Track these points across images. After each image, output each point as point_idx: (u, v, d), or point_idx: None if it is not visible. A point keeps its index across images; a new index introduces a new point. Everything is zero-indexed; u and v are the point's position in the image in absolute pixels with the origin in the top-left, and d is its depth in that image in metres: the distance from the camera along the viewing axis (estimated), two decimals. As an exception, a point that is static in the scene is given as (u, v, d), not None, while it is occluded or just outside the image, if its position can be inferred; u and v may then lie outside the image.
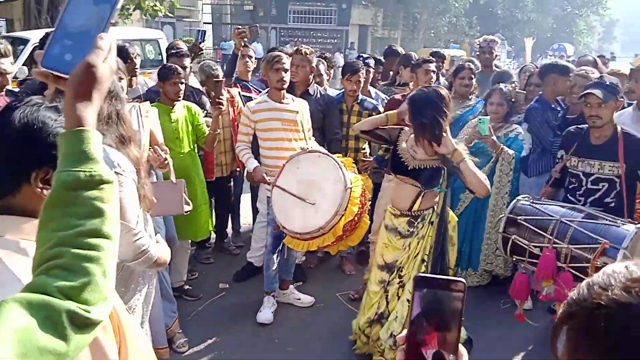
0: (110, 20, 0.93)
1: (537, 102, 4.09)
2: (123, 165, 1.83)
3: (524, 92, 4.43)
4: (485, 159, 4.05)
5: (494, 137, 3.85)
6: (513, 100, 4.06)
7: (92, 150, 0.87)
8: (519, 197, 3.05)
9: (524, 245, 2.83)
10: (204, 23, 22.09)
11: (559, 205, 2.93)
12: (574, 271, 2.64)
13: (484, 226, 4.13)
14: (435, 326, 0.80)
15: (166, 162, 2.99)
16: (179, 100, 3.68)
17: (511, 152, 3.95)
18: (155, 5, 12.39)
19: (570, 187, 3.07)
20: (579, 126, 3.08)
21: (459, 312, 0.79)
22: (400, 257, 2.97)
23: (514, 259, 3.00)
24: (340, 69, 5.19)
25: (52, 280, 0.79)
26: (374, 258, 3.13)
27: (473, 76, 4.45)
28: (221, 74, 4.23)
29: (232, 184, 4.73)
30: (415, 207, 2.95)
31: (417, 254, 2.93)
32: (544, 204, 2.94)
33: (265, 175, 3.59)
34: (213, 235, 4.81)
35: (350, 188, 3.07)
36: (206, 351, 3.37)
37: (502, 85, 4.06)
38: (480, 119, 3.81)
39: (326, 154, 3.30)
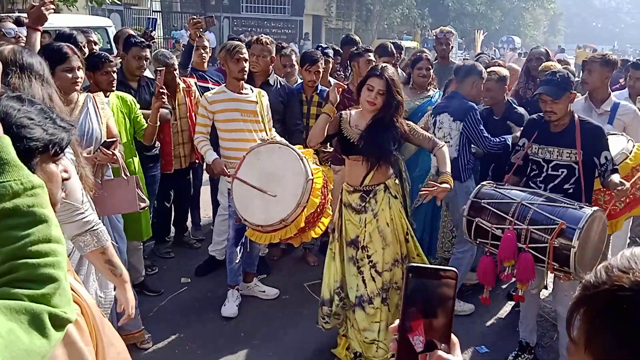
0: None
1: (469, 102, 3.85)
2: None
3: None
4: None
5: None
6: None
7: (12, 157, 0.84)
8: (483, 183, 3.13)
9: (487, 228, 2.91)
10: (153, 11, 21.37)
11: (521, 190, 3.02)
12: (533, 251, 2.74)
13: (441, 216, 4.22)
14: (422, 313, 0.80)
15: (115, 157, 2.82)
16: (112, 91, 3.40)
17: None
18: (103, -8, 11.94)
19: (531, 173, 3.17)
20: (540, 114, 3.17)
21: (450, 300, 0.80)
22: (359, 233, 3.02)
23: (477, 242, 3.07)
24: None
25: (20, 292, 0.78)
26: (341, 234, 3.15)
27: (430, 67, 4.52)
28: (175, 62, 4.10)
29: (190, 176, 4.64)
30: (366, 181, 3.00)
31: (379, 230, 2.98)
32: (507, 189, 3.03)
33: (225, 167, 3.53)
34: (173, 229, 4.72)
35: (312, 179, 3.05)
36: (170, 347, 3.31)
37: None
38: None
39: (287, 145, 3.27)
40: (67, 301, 0.83)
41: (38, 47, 2.74)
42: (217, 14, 25.20)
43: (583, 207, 2.76)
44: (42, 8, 2.68)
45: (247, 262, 3.84)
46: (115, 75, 3.38)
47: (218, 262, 4.18)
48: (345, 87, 3.66)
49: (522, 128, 3.41)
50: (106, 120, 2.97)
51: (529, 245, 2.75)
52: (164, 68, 3.46)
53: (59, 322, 0.80)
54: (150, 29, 4.82)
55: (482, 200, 2.97)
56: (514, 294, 3.92)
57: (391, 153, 2.99)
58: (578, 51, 22.57)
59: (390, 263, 3.02)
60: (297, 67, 4.58)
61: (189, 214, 4.84)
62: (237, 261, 3.73)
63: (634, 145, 3.30)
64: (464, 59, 6.36)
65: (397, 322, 0.82)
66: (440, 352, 0.79)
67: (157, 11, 21.78)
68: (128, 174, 2.95)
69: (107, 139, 2.92)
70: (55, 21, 9.07)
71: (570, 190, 3.01)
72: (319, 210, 3.18)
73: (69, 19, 10.05)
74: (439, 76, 4.82)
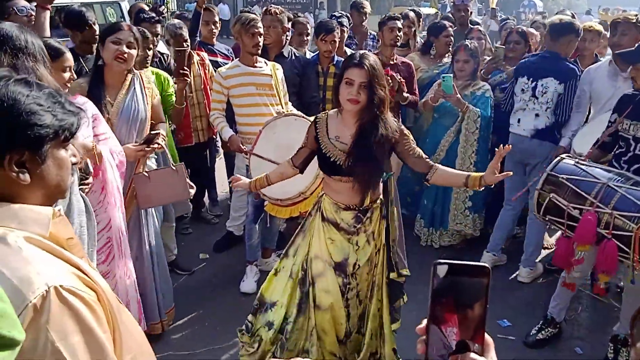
0: None
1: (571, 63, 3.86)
2: None
3: (503, 47, 4.38)
4: (451, 119, 4.02)
5: (459, 95, 3.83)
6: (478, 56, 4.02)
7: None
8: (562, 155, 2.88)
9: (562, 206, 2.66)
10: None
11: (606, 170, 2.76)
12: (616, 241, 2.50)
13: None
14: (455, 306, 0.74)
15: (161, 147, 2.82)
16: (146, 67, 3.45)
17: (477, 110, 3.92)
18: (114, -34, 11.79)
19: (617, 151, 2.93)
20: (631, 92, 2.94)
21: (483, 298, 0.73)
22: (349, 256, 2.48)
23: (546, 219, 2.83)
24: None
25: None
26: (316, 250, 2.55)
27: (452, 36, 4.40)
28: (186, 33, 4.01)
29: (207, 151, 4.60)
30: (367, 201, 2.47)
31: (369, 256, 2.51)
32: (590, 166, 2.76)
33: (241, 144, 3.48)
34: (190, 205, 4.71)
35: None
36: (190, 323, 3.33)
37: (467, 42, 4.00)
38: (443, 77, 3.75)
39: (302, 117, 3.22)
40: (12, 323, 0.78)
41: (47, 26, 2.68)
42: (231, -16, 24.80)
43: None
44: None
45: (266, 238, 3.82)
46: (150, 52, 3.41)
47: (236, 238, 4.17)
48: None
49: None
50: (151, 100, 2.95)
51: (613, 232, 2.50)
52: (186, 49, 3.42)
53: (3, 342, 0.76)
54: (159, 4, 4.72)
55: (561, 175, 2.71)
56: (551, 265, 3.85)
57: (383, 171, 2.45)
58: (601, 13, 21.75)
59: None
60: (306, 37, 4.47)
61: (206, 189, 4.82)
62: (256, 237, 3.71)
63: None
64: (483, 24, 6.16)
65: (424, 322, 0.76)
66: (473, 355, 0.73)
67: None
68: (173, 163, 2.95)
69: (153, 121, 2.89)
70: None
71: None
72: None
73: (80, -5, 9.98)
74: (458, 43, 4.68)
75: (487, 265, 0.74)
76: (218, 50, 4.60)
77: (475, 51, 3.97)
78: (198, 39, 4.34)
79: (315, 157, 2.55)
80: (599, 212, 2.55)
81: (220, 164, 4.95)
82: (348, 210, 2.47)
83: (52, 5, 2.69)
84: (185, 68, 3.34)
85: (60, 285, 0.95)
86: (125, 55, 2.68)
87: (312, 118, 2.94)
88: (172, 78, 3.61)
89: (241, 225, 4.02)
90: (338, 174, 2.41)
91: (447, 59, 4.46)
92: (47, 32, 2.65)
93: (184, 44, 3.87)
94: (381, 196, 2.54)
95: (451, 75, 3.83)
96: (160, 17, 3.98)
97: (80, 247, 1.12)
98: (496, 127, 4.05)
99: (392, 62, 3.97)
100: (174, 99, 3.54)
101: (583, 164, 2.77)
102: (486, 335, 0.76)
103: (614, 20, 3.78)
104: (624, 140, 2.90)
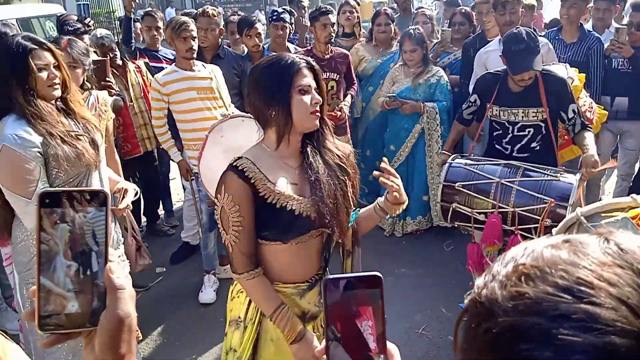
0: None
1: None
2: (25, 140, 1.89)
3: (449, 29, 4.38)
4: (411, 119, 4.01)
5: (410, 102, 3.86)
6: (425, 42, 3.99)
7: None
8: (449, 160, 2.91)
9: (467, 213, 2.72)
10: (111, -8, 20.61)
11: (493, 163, 2.81)
12: (524, 233, 2.59)
13: (419, 177, 4.15)
14: (370, 300, 0.69)
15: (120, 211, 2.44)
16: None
17: (434, 106, 3.93)
18: (51, -23, 11.41)
19: (495, 133, 2.99)
20: (494, 72, 2.98)
21: (380, 308, 0.69)
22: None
23: (456, 225, 2.91)
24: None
25: None
26: None
27: (391, 21, 4.34)
28: (110, 42, 3.85)
29: (157, 162, 4.47)
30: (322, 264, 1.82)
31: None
32: (478, 164, 2.81)
33: (189, 166, 3.46)
34: (144, 219, 4.57)
35: None
36: (151, 339, 3.23)
37: (410, 30, 3.98)
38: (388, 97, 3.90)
39: (249, 117, 3.12)
40: None
41: None
42: (178, -13, 24.37)
43: (564, 176, 2.59)
44: None
45: (223, 245, 3.71)
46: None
47: (192, 248, 4.07)
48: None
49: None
50: (106, 122, 2.81)
51: (519, 227, 2.58)
52: (105, 59, 3.29)
53: None
54: (84, 16, 4.55)
55: (456, 183, 2.74)
56: None
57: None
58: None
59: None
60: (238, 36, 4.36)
61: (160, 200, 4.68)
62: (212, 246, 3.62)
63: (568, 71, 3.13)
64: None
65: (323, 344, 0.70)
66: None
67: (115, -9, 20.97)
68: (137, 235, 2.70)
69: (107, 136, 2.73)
70: (2, 13, 8.67)
71: (537, 148, 2.87)
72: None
73: (16, 10, 9.63)
74: (404, 29, 4.65)
75: (377, 274, 0.70)
76: (163, 56, 4.47)
77: (421, 38, 3.95)
78: (134, 45, 4.20)
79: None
80: (502, 211, 2.62)
81: (175, 171, 4.81)
82: (311, 289, 1.77)
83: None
84: (107, 79, 3.21)
85: None
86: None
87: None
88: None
89: (196, 234, 3.91)
90: (309, 229, 1.67)
91: (394, 48, 4.43)
92: None
93: (109, 53, 3.72)
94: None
95: (394, 95, 3.90)
96: (86, 28, 3.81)
97: None
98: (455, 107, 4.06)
99: (327, 57, 3.86)
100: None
101: (471, 164, 2.82)
102: (390, 345, 0.72)
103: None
104: (499, 124, 2.95)
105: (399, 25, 4.77)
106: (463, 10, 4.52)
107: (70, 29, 3.65)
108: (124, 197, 2.31)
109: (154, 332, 3.30)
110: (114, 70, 3.81)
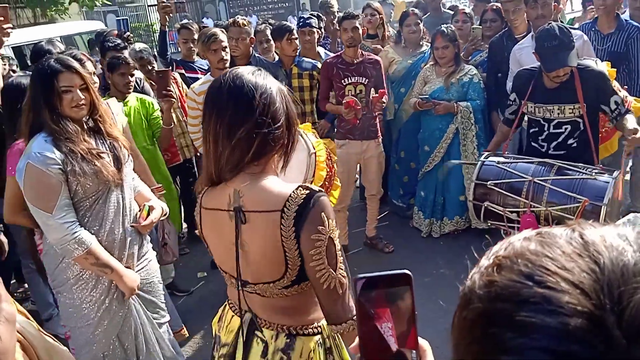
0: None
1: None
2: (47, 157, 1.99)
3: (480, 27, 4.33)
4: (445, 120, 4.00)
5: (443, 103, 3.84)
6: (457, 40, 3.96)
7: None
8: (482, 159, 2.90)
9: (499, 212, 2.70)
10: (148, 5, 21.23)
11: (526, 161, 2.77)
12: None
13: (455, 177, 4.13)
14: (386, 303, 0.72)
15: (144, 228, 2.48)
16: (129, 93, 3.48)
17: (467, 105, 3.90)
18: (92, -5, 11.90)
19: (531, 131, 2.95)
20: (529, 69, 2.93)
21: (410, 307, 0.71)
22: None
23: (489, 224, 2.88)
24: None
25: None
26: None
27: (419, 21, 4.33)
28: (147, 55, 4.00)
29: (195, 169, 4.60)
30: None
31: None
32: (511, 162, 2.77)
33: None
34: (184, 225, 4.71)
35: (315, 153, 2.98)
36: (194, 340, 3.34)
37: (443, 27, 3.95)
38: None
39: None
40: None
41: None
42: (212, -2, 24.86)
43: (600, 174, 2.54)
44: None
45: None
46: (132, 78, 3.46)
47: (232, 252, 4.15)
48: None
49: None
50: (122, 127, 2.96)
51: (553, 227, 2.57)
52: (168, 70, 3.44)
53: None
54: (122, 30, 4.73)
55: (488, 182, 2.72)
56: None
57: None
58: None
59: None
60: (266, 44, 4.40)
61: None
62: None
63: (601, 65, 3.02)
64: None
65: (356, 340, 0.73)
66: None
67: (152, 5, 21.60)
68: (165, 233, 2.95)
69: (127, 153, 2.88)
70: (46, 32, 9.09)
71: (575, 145, 2.80)
72: (326, 183, 3.11)
73: (60, 28, 10.06)
74: (433, 30, 4.63)
75: (407, 272, 0.72)
76: (198, 67, 4.61)
77: (453, 35, 3.93)
78: (170, 57, 4.34)
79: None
80: (535, 210, 2.57)
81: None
82: None
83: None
84: (169, 88, 3.33)
85: None
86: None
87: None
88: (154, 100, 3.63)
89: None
90: None
91: (424, 48, 4.42)
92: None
93: (147, 66, 3.86)
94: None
95: (427, 96, 3.88)
96: (126, 44, 3.96)
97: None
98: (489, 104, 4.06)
99: (356, 61, 3.83)
100: (160, 121, 3.55)
101: (504, 162, 2.77)
102: (421, 341, 0.74)
103: None
104: (534, 122, 2.89)
105: (430, 25, 4.75)
106: (494, 7, 4.46)
107: (110, 45, 3.80)
108: (148, 215, 2.37)
109: (197, 334, 3.40)
110: (152, 83, 3.96)
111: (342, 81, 3.70)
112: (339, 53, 3.95)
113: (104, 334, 2.22)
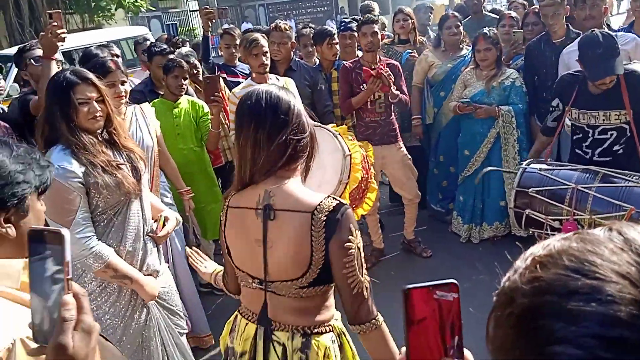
0: (67, 277, 0.86)
1: None
2: (67, 171, 1.98)
3: (522, 31, 4.26)
4: (486, 125, 3.95)
5: (484, 107, 3.79)
6: (499, 43, 3.91)
7: None
8: (523, 165, 2.84)
9: (540, 220, 2.65)
10: (190, 11, 21.72)
11: (569, 168, 2.71)
12: None
13: (496, 182, 4.08)
14: (433, 310, 0.73)
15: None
16: (182, 95, 3.58)
17: (509, 109, 3.85)
18: (136, 1, 12.23)
19: (574, 137, 2.88)
20: (573, 73, 2.87)
21: (456, 316, 0.73)
22: None
23: (531, 232, 2.84)
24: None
25: None
26: None
27: (459, 23, 4.30)
28: (194, 60, 4.11)
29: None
30: None
31: None
32: (554, 169, 2.72)
33: None
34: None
35: (350, 155, 2.99)
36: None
37: (485, 30, 3.91)
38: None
39: (319, 126, 3.22)
40: None
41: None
42: (252, 2, 25.24)
43: None
44: (52, 36, 2.63)
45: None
46: (185, 81, 3.55)
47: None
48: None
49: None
50: (154, 129, 3.07)
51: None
52: (217, 75, 3.51)
53: None
54: (172, 35, 4.85)
55: (530, 189, 2.67)
56: None
57: None
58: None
59: None
60: (311, 48, 4.41)
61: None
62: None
63: None
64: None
65: (403, 350, 0.75)
66: None
67: (194, 10, 22.07)
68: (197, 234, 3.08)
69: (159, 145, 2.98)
70: (93, 37, 9.42)
71: (620, 151, 2.73)
72: (362, 186, 3.11)
73: (106, 33, 10.40)
74: (474, 32, 4.58)
75: (454, 281, 0.74)
76: (240, 71, 4.68)
77: (496, 38, 3.88)
78: (212, 62, 4.44)
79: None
80: (578, 218, 2.51)
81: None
82: None
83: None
84: (217, 94, 3.39)
85: (27, 337, 0.97)
86: (122, 94, 2.72)
87: (329, 126, 2.85)
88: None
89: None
90: None
91: (464, 51, 4.38)
92: None
93: (193, 70, 3.96)
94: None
95: (468, 100, 3.83)
96: (171, 49, 4.05)
97: None
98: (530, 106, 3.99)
99: (374, 66, 3.75)
100: (209, 124, 3.62)
101: (546, 169, 2.70)
102: (465, 351, 0.75)
103: None
104: (578, 128, 2.82)
105: (470, 28, 4.70)
106: (536, 10, 4.38)
107: (156, 49, 3.92)
108: (164, 226, 2.36)
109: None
110: (197, 86, 4.06)
111: (361, 86, 3.69)
112: (357, 58, 3.95)
113: (127, 343, 2.24)
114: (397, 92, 3.71)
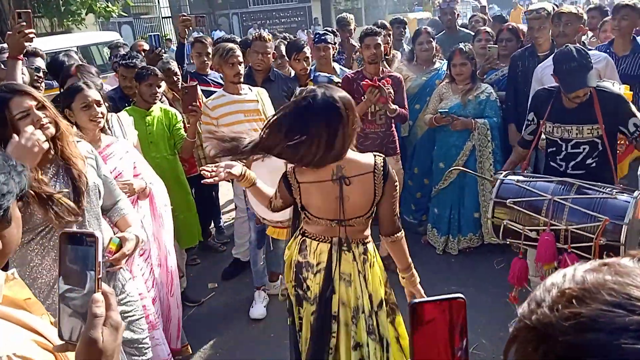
0: (98, 276, 0.92)
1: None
2: None
3: (497, 46, 4.35)
4: (462, 138, 4.01)
5: (461, 119, 3.85)
6: (475, 58, 3.99)
7: None
8: (501, 177, 2.88)
9: (518, 230, 2.69)
10: (162, 17, 21.50)
11: (546, 180, 2.77)
12: (578, 251, 2.53)
13: (470, 193, 4.13)
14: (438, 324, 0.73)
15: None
16: (155, 103, 3.53)
17: (485, 122, 3.92)
18: (108, 7, 12.03)
19: (549, 150, 2.95)
20: (548, 88, 2.95)
21: (463, 328, 0.73)
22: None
23: (507, 242, 2.88)
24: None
25: None
26: None
27: (432, 39, 4.37)
28: (175, 67, 4.06)
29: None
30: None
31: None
32: (530, 181, 2.77)
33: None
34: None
35: None
36: (204, 351, 3.34)
37: (461, 45, 3.98)
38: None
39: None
40: None
41: (19, 76, 2.64)
42: (225, 11, 25.24)
43: (620, 194, 2.52)
44: (19, 36, 2.56)
45: (272, 262, 3.81)
46: (159, 89, 3.51)
47: (243, 264, 4.16)
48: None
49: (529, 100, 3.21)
50: (132, 139, 3.03)
51: (572, 246, 2.53)
52: (194, 85, 3.46)
53: None
54: (156, 46, 4.77)
55: (507, 200, 2.71)
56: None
57: None
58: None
59: None
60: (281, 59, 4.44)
61: (212, 218, 4.83)
62: (261, 263, 3.71)
63: (620, 88, 3.06)
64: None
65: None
66: None
67: (166, 17, 21.87)
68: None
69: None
70: (64, 41, 9.23)
71: (593, 165, 2.81)
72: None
73: (76, 38, 10.21)
74: (448, 47, 4.66)
75: (461, 296, 0.74)
76: (212, 80, 4.65)
77: (471, 53, 3.95)
78: (185, 70, 4.40)
79: None
80: (555, 229, 2.56)
81: (224, 190, 4.96)
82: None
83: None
84: (195, 103, 3.34)
85: (14, 354, 0.94)
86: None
87: None
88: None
89: (247, 251, 4.01)
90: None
91: (437, 65, 4.45)
92: (19, 81, 2.58)
93: (174, 77, 3.91)
94: None
95: (446, 110, 3.90)
96: (136, 62, 3.84)
97: (39, 305, 1.11)
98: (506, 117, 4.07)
99: (377, 78, 3.81)
100: (182, 132, 3.59)
101: (524, 181, 2.77)
102: None
103: (558, 11, 3.74)
104: (552, 142, 2.91)
105: (444, 43, 4.78)
106: (510, 27, 4.49)
107: (122, 62, 3.78)
108: (120, 248, 2.10)
109: (206, 345, 3.40)
110: (175, 94, 4.01)
111: (362, 97, 3.71)
112: (359, 69, 3.98)
113: None
114: (395, 107, 3.74)
